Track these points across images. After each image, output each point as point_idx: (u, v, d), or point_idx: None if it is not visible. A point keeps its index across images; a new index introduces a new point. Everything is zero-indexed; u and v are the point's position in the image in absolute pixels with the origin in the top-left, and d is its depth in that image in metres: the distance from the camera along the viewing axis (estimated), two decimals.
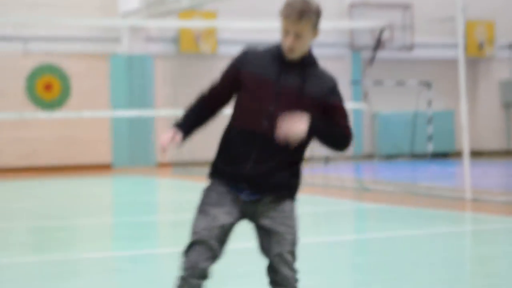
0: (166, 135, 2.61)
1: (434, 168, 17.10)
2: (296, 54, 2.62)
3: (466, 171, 10.14)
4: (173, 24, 16.22)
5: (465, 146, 10.08)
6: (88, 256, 6.81)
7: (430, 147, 19.56)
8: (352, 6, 18.96)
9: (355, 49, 19.56)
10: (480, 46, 20.43)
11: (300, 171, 2.73)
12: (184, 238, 2.85)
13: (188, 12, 16.06)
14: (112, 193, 13.51)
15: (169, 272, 4.22)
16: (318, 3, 2.66)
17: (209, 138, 14.92)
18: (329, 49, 18.28)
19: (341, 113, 2.65)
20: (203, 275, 2.55)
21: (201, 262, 2.54)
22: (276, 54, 2.66)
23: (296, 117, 2.49)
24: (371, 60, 15.82)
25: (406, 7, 19.36)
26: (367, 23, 16.79)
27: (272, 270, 2.63)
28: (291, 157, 2.65)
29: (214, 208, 2.58)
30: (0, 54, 15.06)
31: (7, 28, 14.87)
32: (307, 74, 2.67)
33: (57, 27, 15.56)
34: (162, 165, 16.92)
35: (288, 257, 2.63)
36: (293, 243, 2.67)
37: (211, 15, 16.98)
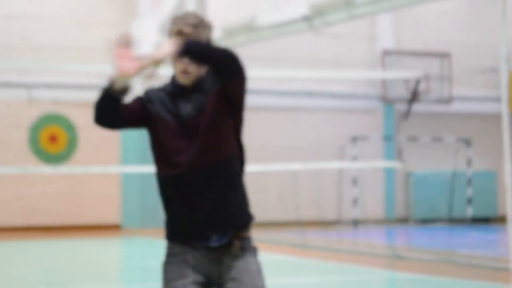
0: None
1: (474, 235, 16.44)
2: (191, 77, 2.49)
3: (510, 238, 9.61)
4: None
5: (509, 210, 9.53)
6: None
7: (470, 211, 18.79)
8: (385, 54, 18.18)
9: (388, 101, 18.63)
10: None
11: (243, 190, 2.59)
12: None
13: None
14: (121, 256, 13.38)
15: None
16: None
17: None
18: (360, 101, 18.25)
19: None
20: None
21: None
22: (169, 90, 2.57)
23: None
24: (406, 114, 16.05)
25: (444, 56, 18.65)
26: (402, 73, 16.44)
27: None
28: (227, 178, 2.52)
29: (179, 282, 2.51)
30: (3, 102, 14.85)
31: (11, 74, 14.62)
32: (203, 91, 2.54)
33: (64, 73, 15.24)
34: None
35: None
36: None
37: None
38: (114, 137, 15.87)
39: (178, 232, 2.57)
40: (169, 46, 2.39)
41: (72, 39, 15.56)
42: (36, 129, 15.20)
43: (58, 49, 15.30)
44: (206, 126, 2.51)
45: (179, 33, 2.46)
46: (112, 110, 2.48)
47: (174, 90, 2.58)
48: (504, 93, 10.60)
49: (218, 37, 13.24)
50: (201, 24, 2.51)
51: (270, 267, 11.42)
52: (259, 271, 2.57)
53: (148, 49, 14.66)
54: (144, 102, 2.58)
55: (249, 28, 13.29)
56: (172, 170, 2.53)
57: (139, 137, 15.68)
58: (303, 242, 13.74)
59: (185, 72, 2.48)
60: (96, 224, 15.78)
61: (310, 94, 17.72)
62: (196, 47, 2.42)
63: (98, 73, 15.27)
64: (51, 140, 15.26)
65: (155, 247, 14.97)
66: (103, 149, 15.54)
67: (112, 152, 15.85)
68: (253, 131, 16.21)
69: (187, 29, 2.45)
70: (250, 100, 13.40)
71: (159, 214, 13.32)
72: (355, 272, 10.43)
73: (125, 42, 2.41)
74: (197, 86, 2.56)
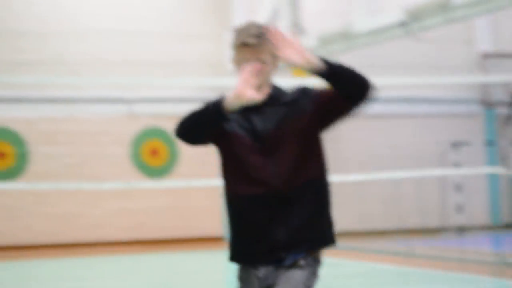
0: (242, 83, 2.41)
1: None
2: (264, 93, 2.42)
3: None
4: (286, 82, 14.86)
5: None
6: None
7: None
8: (485, 57, 17.78)
9: (489, 105, 18.33)
10: None
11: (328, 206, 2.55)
12: None
13: (302, 70, 15.24)
14: (224, 268, 12.73)
15: None
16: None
17: (336, 203, 14.65)
18: (460, 106, 17.92)
19: (327, 91, 2.46)
20: None
21: None
22: None
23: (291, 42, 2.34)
24: (508, 118, 16.19)
25: None
26: (502, 76, 15.99)
27: None
28: (314, 199, 2.47)
29: None
30: (104, 117, 15.18)
31: (111, 90, 14.98)
32: (280, 106, 2.49)
33: (162, 88, 15.63)
34: None
35: None
36: None
37: None
38: (214, 150, 16.28)
39: (249, 254, 2.48)
40: (309, 57, 2.31)
41: (169, 54, 15.70)
42: (137, 143, 15.47)
43: (156, 64, 15.45)
44: (293, 144, 2.44)
45: (244, 45, 2.40)
46: (209, 128, 2.43)
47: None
48: None
49: (314, 46, 13.28)
50: (264, 34, 2.41)
51: (375, 276, 10.85)
52: (303, 282, 2.42)
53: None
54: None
55: (345, 36, 13.14)
56: (253, 189, 2.44)
57: None
58: (407, 250, 13.43)
59: (259, 88, 2.40)
60: (199, 237, 15.76)
61: (409, 100, 17.48)
62: (342, 69, 2.34)
63: (195, 87, 15.67)
64: (152, 154, 15.45)
65: None
66: (204, 161, 15.52)
67: (212, 164, 15.67)
68: (354, 140, 17.18)
69: (251, 40, 2.38)
70: None
71: None
72: (462, 281, 10.15)
73: (255, 73, 2.39)
74: (270, 99, 2.46)
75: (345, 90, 2.36)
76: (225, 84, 15.77)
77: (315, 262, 2.52)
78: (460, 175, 17.41)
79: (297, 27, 13.97)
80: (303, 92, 2.52)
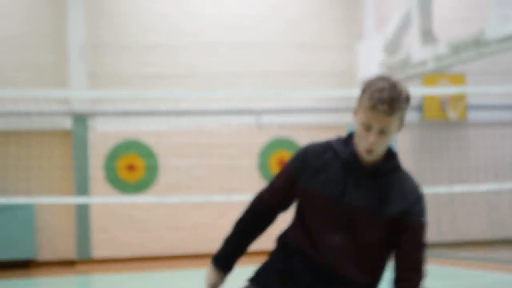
0: (210, 279, 2.58)
1: None
2: (375, 156, 2.33)
3: None
4: (416, 91, 15.04)
5: None
6: None
7: None
8: None
9: None
10: None
11: None
12: None
13: (433, 77, 15.19)
14: None
15: None
16: (406, 87, 2.41)
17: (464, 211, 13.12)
18: None
19: (416, 240, 2.32)
20: None
21: None
22: (344, 158, 2.37)
23: None
24: None
25: None
26: None
27: None
28: None
29: None
30: (234, 129, 15.23)
31: (240, 101, 15.04)
32: (384, 186, 2.36)
33: (290, 99, 15.54)
34: None
35: None
36: None
37: (459, 79, 16.08)
38: None
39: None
40: None
41: (297, 64, 15.72)
42: (265, 154, 15.55)
43: (285, 74, 15.48)
44: (369, 239, 2.33)
45: (373, 109, 2.23)
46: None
47: (350, 161, 2.34)
48: None
49: (445, 53, 13.02)
50: (399, 100, 2.25)
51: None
52: None
53: (376, 69, 14.89)
54: (295, 175, 2.42)
55: (477, 43, 12.64)
56: (310, 250, 2.37)
57: None
58: None
59: (370, 150, 2.27)
60: None
61: None
62: None
63: (323, 97, 15.67)
64: (280, 164, 15.46)
65: None
66: None
67: None
68: (482, 148, 16.21)
69: (384, 108, 2.22)
70: (477, 116, 12.58)
71: None
72: None
73: None
74: (376, 170, 2.35)
75: None
76: (354, 94, 16.09)
77: None
78: None
79: (428, 35, 13.54)
80: (414, 199, 2.33)
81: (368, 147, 2.27)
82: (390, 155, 2.42)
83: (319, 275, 2.39)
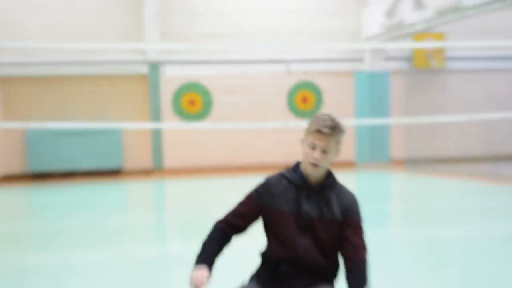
0: (199, 274, 2.54)
1: None
2: (319, 171, 2.58)
3: None
4: (407, 45, 16.62)
5: None
6: None
7: None
8: None
9: None
10: None
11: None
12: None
13: (421, 35, 16.46)
14: (356, 185, 13.91)
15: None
16: (342, 123, 2.63)
17: (441, 136, 14.99)
18: None
19: (356, 232, 2.57)
20: None
21: None
22: (296, 182, 2.61)
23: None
24: None
25: None
26: None
27: None
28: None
29: None
30: (268, 74, 16.64)
31: (274, 53, 16.63)
32: (328, 198, 2.60)
33: (313, 51, 16.98)
34: (396, 162, 17.50)
35: None
36: None
37: (440, 36, 17.17)
38: (350, 98, 17.36)
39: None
40: None
41: (317, 26, 16.81)
42: (292, 93, 16.78)
43: (307, 34, 16.73)
44: (325, 237, 2.58)
45: (318, 132, 2.54)
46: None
47: (300, 183, 2.59)
48: None
49: (431, 17, 13.63)
50: (337, 127, 2.57)
51: (468, 191, 11.20)
52: None
53: (377, 29, 15.78)
54: (259, 202, 2.63)
55: (456, 9, 13.20)
56: (289, 254, 2.59)
57: (368, 97, 16.98)
58: (496, 172, 14.50)
59: (316, 165, 2.54)
60: (337, 162, 16.79)
61: (504, 58, 18.11)
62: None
63: (336, 50, 17.17)
64: (303, 101, 16.77)
65: (381, 177, 15.19)
66: (341, 107, 16.82)
67: (348, 108, 17.05)
68: (456, 89, 17.78)
69: (326, 130, 2.52)
70: (453, 65, 16.20)
71: (383, 153, 15.98)
72: None
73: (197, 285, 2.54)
74: (321, 187, 2.62)
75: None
76: (360, 48, 17.33)
77: None
78: None
79: (418, 2, 13.95)
80: (350, 204, 2.61)
81: (314, 162, 2.53)
82: (330, 175, 2.66)
83: (301, 269, 2.60)
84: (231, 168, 16.30)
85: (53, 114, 15.48)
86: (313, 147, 2.52)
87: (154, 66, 16.22)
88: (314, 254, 2.56)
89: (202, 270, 2.51)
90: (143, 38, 16.00)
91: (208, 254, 2.61)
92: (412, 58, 17.66)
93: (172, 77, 16.30)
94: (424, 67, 17.80)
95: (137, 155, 16.55)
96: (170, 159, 16.34)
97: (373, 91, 17.00)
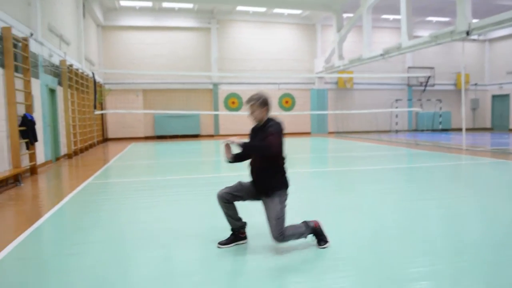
0: (235, 140, 3.31)
1: None
2: (255, 122, 3.47)
3: None
4: (336, 76, 21.64)
5: None
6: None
7: None
8: (409, 68, 24.49)
9: (409, 85, 24.87)
10: None
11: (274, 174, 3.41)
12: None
13: (341, 72, 20.95)
14: (311, 144, 15.38)
15: None
16: (260, 95, 3.48)
17: (351, 120, 23.13)
18: (395, 86, 24.35)
19: (270, 135, 3.34)
20: None
21: None
22: (254, 126, 3.47)
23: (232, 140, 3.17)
24: (423, 90, 20.81)
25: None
26: (417, 74, 20.05)
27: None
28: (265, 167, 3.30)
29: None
30: (268, 89, 20.73)
31: (270, 79, 21.42)
32: (263, 129, 3.44)
33: (290, 78, 21.78)
34: (330, 133, 22.79)
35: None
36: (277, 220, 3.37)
37: (350, 72, 22.36)
38: (308, 101, 21.70)
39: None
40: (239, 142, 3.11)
41: (293, 66, 21.89)
42: (280, 98, 21.20)
43: (288, 70, 21.47)
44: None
45: (245, 103, 3.49)
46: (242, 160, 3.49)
47: (255, 126, 3.53)
48: None
49: (346, 63, 17.61)
50: (250, 100, 3.44)
51: (361, 147, 14.22)
52: (277, 204, 3.38)
53: (321, 69, 20.60)
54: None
55: (359, 59, 16.37)
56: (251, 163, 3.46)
57: (317, 102, 21.87)
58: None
59: (251, 118, 3.48)
60: (301, 133, 21.29)
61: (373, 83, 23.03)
62: (246, 147, 3.25)
63: (300, 78, 21.19)
64: (286, 103, 21.01)
65: (324, 140, 18.40)
66: (304, 106, 21.56)
67: (307, 107, 22.03)
68: (359, 99, 23.53)
69: (246, 102, 3.48)
70: (357, 86, 25.01)
71: (325, 127, 25.12)
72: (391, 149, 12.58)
73: (228, 145, 3.32)
74: (263, 126, 3.50)
75: (252, 153, 3.34)
76: (312, 78, 21.06)
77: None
78: (396, 111, 22.55)
79: (340, 56, 18.75)
80: (268, 126, 3.36)
81: (250, 118, 3.52)
82: (268, 120, 3.47)
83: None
84: (245, 134, 20.66)
85: (166, 107, 20.67)
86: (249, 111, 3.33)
87: (215, 85, 21.83)
88: (256, 160, 3.49)
89: (235, 143, 3.21)
90: (210, 70, 21.68)
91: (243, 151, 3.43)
92: (337, 82, 23.76)
93: (224, 90, 21.98)
94: (343, 87, 23.90)
95: (206, 126, 22.08)
96: (222, 129, 21.87)
97: (319, 99, 22.45)
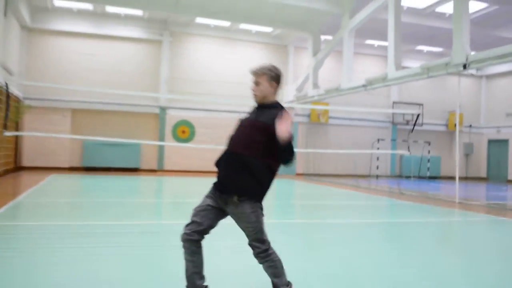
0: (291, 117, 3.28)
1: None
2: (257, 98, 3.48)
3: None
4: (308, 108, 22.65)
5: None
6: None
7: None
8: (394, 103, 25.71)
9: (394, 124, 26.04)
10: None
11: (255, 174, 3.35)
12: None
13: (315, 103, 21.90)
14: (275, 188, 14.28)
15: None
16: (273, 67, 3.47)
17: (324, 160, 24.11)
18: (377, 123, 25.28)
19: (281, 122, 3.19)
20: None
21: None
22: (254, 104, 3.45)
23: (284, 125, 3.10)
24: (411, 130, 19.83)
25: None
26: (403, 110, 21.23)
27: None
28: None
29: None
30: (224, 116, 22.35)
31: (229, 106, 22.46)
32: (263, 112, 3.42)
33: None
34: (298, 174, 23.19)
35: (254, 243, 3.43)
36: (255, 234, 3.39)
37: (326, 104, 23.57)
38: None
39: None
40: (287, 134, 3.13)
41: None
42: None
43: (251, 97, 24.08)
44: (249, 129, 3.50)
45: (254, 71, 3.44)
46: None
47: (256, 105, 3.52)
48: None
49: (322, 93, 18.22)
50: (260, 69, 3.47)
51: (333, 195, 14.51)
52: (250, 212, 3.41)
53: (291, 98, 20.66)
54: None
55: (337, 90, 17.07)
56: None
57: None
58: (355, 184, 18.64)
59: (254, 94, 3.50)
60: None
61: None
62: (291, 146, 3.28)
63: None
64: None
65: (290, 183, 18.27)
66: None
67: None
68: (334, 135, 24.02)
69: (252, 71, 3.48)
70: (333, 121, 27.26)
71: (293, 167, 25.95)
72: (370, 199, 13.24)
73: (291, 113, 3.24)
74: (264, 106, 3.50)
75: (283, 154, 3.25)
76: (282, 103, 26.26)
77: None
78: (378, 153, 23.71)
79: (315, 85, 19.07)
80: (276, 112, 3.34)
81: (252, 92, 3.53)
82: (273, 103, 3.46)
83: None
84: (205, 171, 20.89)
85: (100, 132, 20.86)
86: (253, 83, 3.37)
87: (163, 109, 22.33)
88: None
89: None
90: (158, 91, 22.31)
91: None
92: (310, 115, 24.25)
93: (172, 116, 22.66)
94: (316, 121, 24.53)
95: (148, 160, 22.65)
96: (168, 164, 22.19)
97: None
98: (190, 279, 3.51)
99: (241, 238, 3.80)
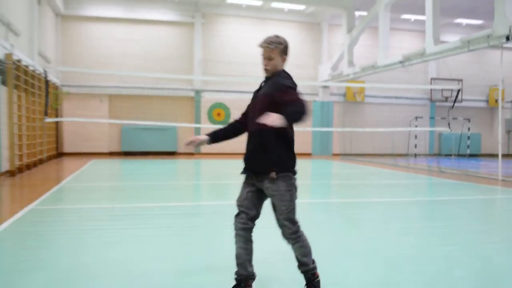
0: (197, 136, 3.47)
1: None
2: (268, 72, 3.44)
3: None
4: (343, 86, 22.71)
5: None
6: None
7: None
8: (432, 79, 25.76)
9: (432, 101, 26.05)
10: None
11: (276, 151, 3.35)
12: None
13: (351, 81, 21.41)
14: (311, 167, 16.25)
15: None
16: (283, 38, 3.38)
17: (361, 140, 24.26)
18: (415, 100, 25.30)
19: (284, 95, 3.20)
20: None
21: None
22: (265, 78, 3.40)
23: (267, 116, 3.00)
24: (451, 107, 18.13)
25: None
26: (442, 86, 20.16)
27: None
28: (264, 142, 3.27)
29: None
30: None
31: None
32: (267, 83, 3.37)
33: None
34: (335, 155, 23.24)
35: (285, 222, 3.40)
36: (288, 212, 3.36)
37: (362, 82, 23.75)
38: (310, 116, 21.46)
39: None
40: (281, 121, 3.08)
41: (295, 74, 20.46)
42: None
43: None
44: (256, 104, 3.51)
45: (261, 46, 3.38)
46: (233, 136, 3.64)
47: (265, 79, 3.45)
48: None
49: (357, 71, 18.21)
50: (271, 41, 3.39)
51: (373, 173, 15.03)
52: (285, 189, 3.35)
53: (327, 77, 20.95)
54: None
55: (373, 67, 17.39)
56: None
57: (321, 117, 22.52)
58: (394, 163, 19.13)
59: (265, 69, 3.51)
60: (300, 153, 20.74)
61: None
62: (291, 116, 3.11)
63: (302, 87, 21.69)
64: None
65: (327, 164, 19.34)
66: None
67: (308, 123, 20.71)
68: (370, 114, 23.95)
69: (263, 44, 3.37)
70: (369, 100, 27.34)
71: (328, 148, 27.35)
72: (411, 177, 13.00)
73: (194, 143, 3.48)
74: (272, 76, 3.46)
75: (294, 122, 3.14)
76: (317, 86, 22.37)
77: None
78: (416, 131, 23.91)
79: (351, 63, 19.30)
80: (278, 84, 3.33)
81: (264, 67, 3.48)
82: (277, 73, 3.42)
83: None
84: (241, 153, 21.84)
85: (136, 117, 21.43)
86: (263, 57, 3.38)
87: (197, 92, 22.59)
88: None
89: (202, 137, 3.39)
90: (192, 74, 22.56)
91: (213, 131, 3.57)
92: (345, 94, 24.27)
93: (207, 99, 22.89)
94: (352, 100, 24.55)
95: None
96: (204, 146, 18.76)
97: (323, 113, 23.10)
98: (243, 266, 3.58)
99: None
